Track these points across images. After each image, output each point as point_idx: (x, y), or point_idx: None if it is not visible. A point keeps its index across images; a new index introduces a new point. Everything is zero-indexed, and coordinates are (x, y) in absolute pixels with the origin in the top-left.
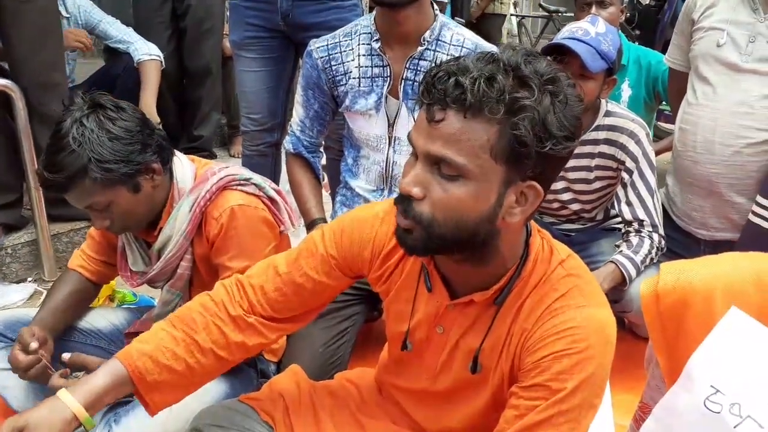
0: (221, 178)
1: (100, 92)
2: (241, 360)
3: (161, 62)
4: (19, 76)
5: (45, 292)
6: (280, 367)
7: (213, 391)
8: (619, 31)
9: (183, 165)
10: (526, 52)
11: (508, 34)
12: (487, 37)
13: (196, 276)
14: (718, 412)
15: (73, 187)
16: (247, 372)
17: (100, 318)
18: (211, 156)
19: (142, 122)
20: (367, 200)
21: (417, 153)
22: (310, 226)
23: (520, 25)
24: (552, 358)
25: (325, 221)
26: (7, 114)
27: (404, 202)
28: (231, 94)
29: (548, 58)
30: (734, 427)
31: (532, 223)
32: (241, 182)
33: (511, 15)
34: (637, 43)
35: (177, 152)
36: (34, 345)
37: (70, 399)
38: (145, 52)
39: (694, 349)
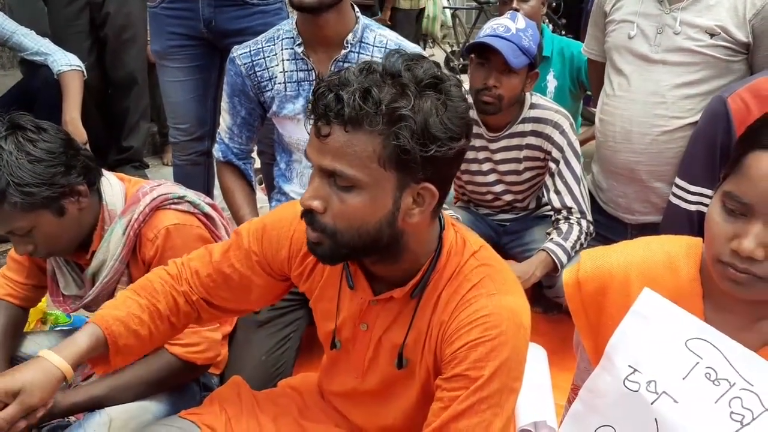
0: (154, 198)
1: (19, 112)
2: (184, 328)
3: (83, 73)
4: None
5: None
6: (223, 378)
7: (152, 409)
8: (545, 21)
9: (112, 185)
10: (409, 58)
11: (442, 26)
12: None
13: None
14: (637, 390)
15: None
16: (189, 387)
17: (35, 345)
18: (143, 166)
19: (66, 143)
20: None
21: (314, 167)
22: None
23: (454, 16)
24: (468, 347)
25: None
26: None
27: (308, 216)
28: (160, 101)
29: (429, 59)
30: (651, 403)
31: (446, 216)
32: (175, 201)
33: (445, 7)
34: (564, 32)
35: (105, 172)
36: None
37: (56, 358)
38: (65, 62)
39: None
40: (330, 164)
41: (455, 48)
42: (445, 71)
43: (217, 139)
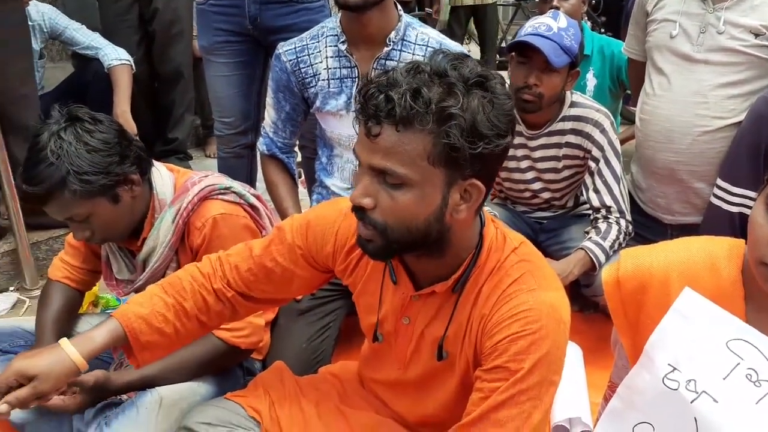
0: (202, 189)
1: (76, 105)
2: (217, 327)
3: (132, 66)
4: None
5: (27, 301)
6: (265, 364)
7: (200, 390)
8: (585, 19)
9: (162, 175)
10: (454, 57)
11: None
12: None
13: None
14: (676, 389)
15: (52, 200)
16: (233, 371)
17: (88, 326)
18: (187, 157)
19: (120, 134)
20: None
21: (362, 165)
22: None
23: None
24: (508, 340)
25: None
26: None
27: (359, 212)
28: (204, 95)
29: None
30: (691, 402)
31: (487, 213)
32: (222, 191)
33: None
34: (603, 30)
35: (156, 162)
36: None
37: (73, 350)
38: (115, 57)
39: (653, 331)
40: (380, 163)
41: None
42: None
43: (262, 133)
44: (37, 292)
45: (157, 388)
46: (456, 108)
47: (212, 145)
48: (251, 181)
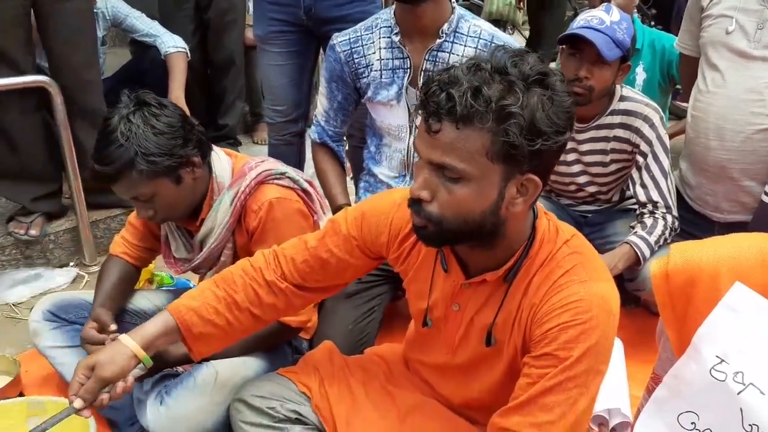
0: (259, 173)
1: (143, 90)
2: (272, 320)
3: (187, 54)
4: (57, 74)
5: (86, 276)
6: (311, 343)
7: (253, 365)
8: (635, 12)
9: (221, 159)
10: (514, 53)
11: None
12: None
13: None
14: (723, 380)
15: (121, 179)
16: (282, 348)
17: (145, 300)
18: (237, 143)
19: (183, 118)
20: (389, 186)
21: (422, 159)
22: (336, 211)
23: None
24: (559, 329)
25: (349, 206)
26: (45, 110)
27: (415, 204)
28: (253, 83)
29: (536, 54)
30: (738, 393)
31: (539, 206)
32: (277, 176)
33: None
34: (653, 23)
35: (215, 147)
36: (114, 327)
37: (130, 341)
38: (172, 44)
39: (701, 324)
40: (440, 158)
41: None
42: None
43: (314, 121)
44: (95, 268)
45: (212, 361)
46: (515, 106)
47: (260, 132)
48: (299, 168)
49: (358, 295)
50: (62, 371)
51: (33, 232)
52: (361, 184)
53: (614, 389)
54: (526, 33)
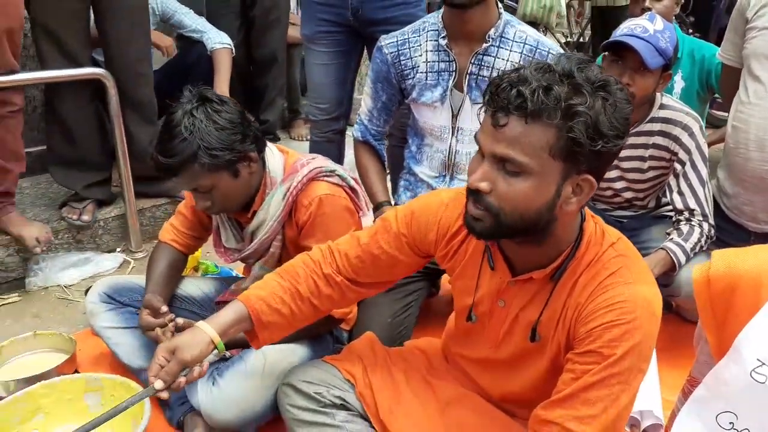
0: (311, 170)
1: (205, 87)
2: (328, 311)
3: (232, 50)
4: (112, 67)
5: (132, 262)
6: (351, 335)
7: (299, 352)
8: (674, 19)
9: (274, 155)
10: (579, 60)
11: (558, 15)
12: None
13: (285, 255)
14: (763, 383)
15: (183, 171)
16: (324, 338)
17: (194, 286)
18: (276, 139)
19: (242, 115)
20: (429, 185)
21: (483, 152)
22: (376, 208)
23: (568, 6)
24: (603, 327)
25: (390, 204)
26: (98, 101)
27: (474, 194)
28: (292, 79)
29: (599, 64)
30: None
31: (586, 209)
32: (327, 173)
33: None
34: (691, 31)
35: (269, 143)
36: (165, 308)
37: (208, 328)
38: (218, 41)
39: (741, 328)
40: (503, 151)
41: (569, 39)
42: None
43: (357, 120)
44: (140, 255)
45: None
46: (583, 106)
47: (297, 128)
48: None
49: (396, 290)
50: (116, 351)
51: (85, 217)
52: (401, 183)
53: (647, 391)
54: (559, 36)
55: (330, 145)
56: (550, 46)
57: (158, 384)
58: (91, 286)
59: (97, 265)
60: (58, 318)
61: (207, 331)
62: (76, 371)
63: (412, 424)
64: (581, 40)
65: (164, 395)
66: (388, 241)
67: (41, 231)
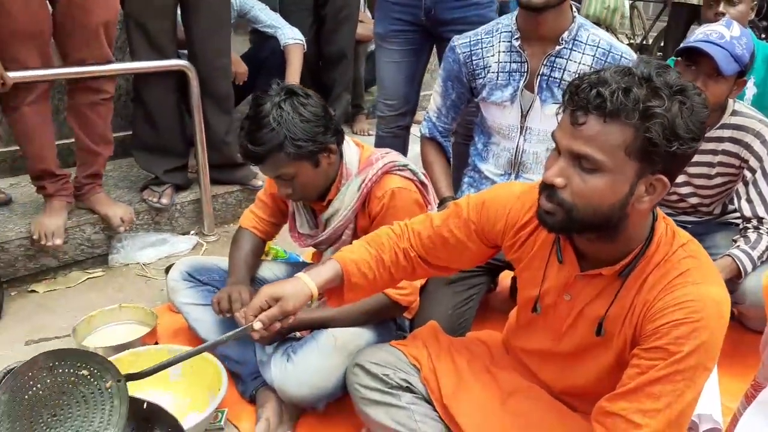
0: (386, 164)
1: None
2: (400, 280)
3: (304, 46)
4: (195, 60)
5: (205, 245)
6: (412, 324)
7: (365, 336)
8: (747, 25)
9: (351, 148)
10: (658, 65)
11: (621, 16)
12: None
13: None
14: None
15: (269, 159)
16: (388, 324)
17: (268, 270)
18: None
19: (325, 108)
20: (494, 183)
21: (560, 149)
22: (441, 202)
23: (632, 8)
24: (671, 325)
25: (454, 199)
26: (178, 92)
27: (548, 189)
28: (357, 75)
29: (676, 69)
30: None
31: (658, 209)
32: (400, 168)
33: None
34: (764, 36)
35: (346, 137)
36: (238, 306)
37: (310, 282)
38: (291, 36)
39: None
40: (581, 148)
41: (632, 41)
42: None
43: (425, 117)
44: (212, 238)
45: (330, 329)
46: (660, 108)
47: (359, 123)
48: None
49: (458, 283)
50: (195, 326)
51: (164, 200)
52: (465, 179)
53: (706, 395)
54: (622, 38)
55: (395, 140)
56: (623, 50)
57: (257, 324)
58: (170, 265)
59: (172, 245)
60: (137, 293)
61: (309, 284)
62: (156, 343)
63: (475, 410)
64: (644, 42)
65: (256, 336)
66: (458, 227)
67: (126, 211)
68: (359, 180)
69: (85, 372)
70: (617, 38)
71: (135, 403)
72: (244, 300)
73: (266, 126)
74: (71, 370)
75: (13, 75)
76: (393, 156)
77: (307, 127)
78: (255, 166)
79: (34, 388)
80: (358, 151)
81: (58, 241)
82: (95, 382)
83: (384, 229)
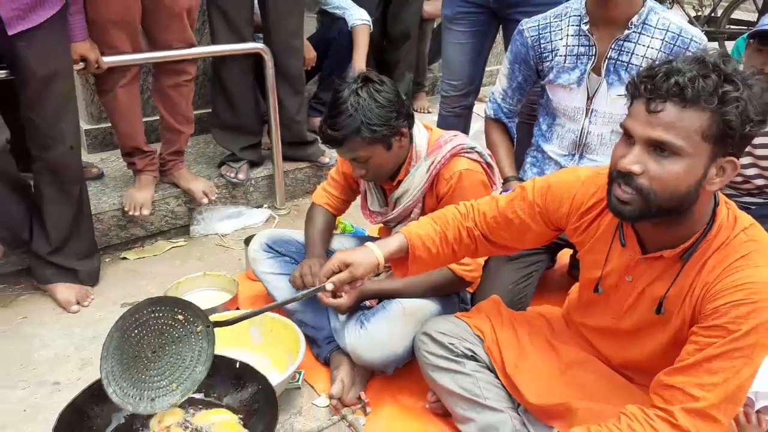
0: (454, 146)
1: (367, 69)
2: (462, 258)
3: (370, 27)
4: (269, 41)
5: (276, 218)
6: (473, 298)
7: (430, 307)
8: None
9: (420, 131)
10: (720, 54)
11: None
12: None
13: None
14: None
15: (346, 143)
16: (452, 298)
17: (338, 243)
18: None
19: (398, 94)
20: (557, 163)
21: (634, 137)
22: (504, 182)
23: None
24: (730, 306)
25: (517, 179)
26: (254, 73)
27: (624, 177)
28: (420, 53)
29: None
30: None
31: (720, 194)
32: (468, 150)
33: None
34: None
35: (417, 121)
36: (309, 279)
37: (378, 252)
38: (358, 17)
39: None
40: (660, 135)
41: (699, 13)
42: None
43: (490, 98)
44: (283, 211)
45: (399, 299)
46: (737, 92)
47: (419, 101)
48: None
49: (519, 260)
50: (274, 294)
51: (240, 176)
52: (528, 159)
53: (764, 373)
54: (689, 9)
55: (457, 120)
56: (693, 33)
57: (329, 286)
58: (249, 236)
59: (247, 218)
60: (217, 262)
61: (377, 254)
62: (237, 308)
63: (536, 379)
64: (713, 14)
65: (327, 296)
66: (523, 209)
67: (207, 186)
68: (428, 162)
69: (180, 317)
70: (683, 10)
71: (229, 363)
72: (315, 272)
73: (344, 112)
74: (169, 315)
75: (108, 60)
76: (461, 139)
77: (382, 113)
78: (332, 149)
79: (139, 329)
80: (427, 134)
81: (146, 212)
82: (188, 326)
83: (450, 208)
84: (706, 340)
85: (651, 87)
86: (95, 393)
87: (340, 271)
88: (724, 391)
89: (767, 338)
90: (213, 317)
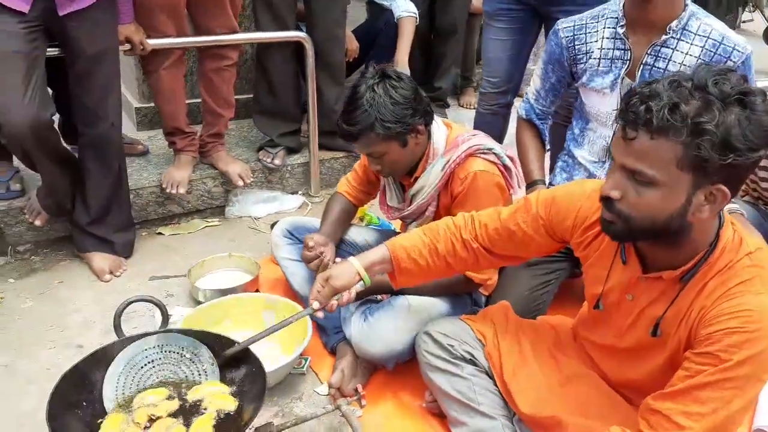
0: (470, 146)
1: (384, 64)
2: (462, 271)
3: (416, 19)
4: (312, 30)
5: (310, 205)
6: (488, 300)
7: (439, 306)
8: None
9: (439, 129)
10: (718, 71)
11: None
12: None
13: (438, 219)
14: None
15: (361, 138)
16: (464, 298)
17: (358, 235)
18: (445, 105)
19: (416, 91)
20: (587, 170)
21: (616, 162)
22: (530, 185)
23: None
24: (724, 333)
25: (544, 183)
26: (295, 61)
27: (606, 201)
28: (469, 48)
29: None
30: None
31: (726, 215)
32: (485, 151)
33: None
34: None
35: (436, 117)
36: (311, 243)
37: (356, 262)
38: (405, 9)
39: None
40: (632, 163)
41: None
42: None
43: (524, 98)
44: (317, 199)
45: (407, 295)
46: (710, 124)
47: (467, 96)
48: (500, 138)
49: (538, 266)
50: (290, 279)
51: (277, 161)
52: (559, 163)
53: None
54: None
55: (494, 118)
56: (737, 42)
57: (315, 305)
58: (275, 221)
59: (282, 203)
60: (248, 244)
61: (355, 264)
62: (257, 290)
63: (533, 389)
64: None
65: (320, 314)
66: (526, 221)
67: (243, 169)
68: (444, 160)
69: (188, 355)
70: (763, 15)
71: (228, 343)
72: (317, 241)
73: (360, 107)
74: (177, 353)
75: (152, 42)
76: (479, 139)
77: (397, 110)
78: (347, 143)
79: (147, 363)
80: (446, 132)
81: (183, 191)
82: (195, 364)
83: (444, 220)
84: (697, 367)
85: (626, 112)
86: (99, 358)
87: (323, 288)
88: (712, 422)
89: (763, 371)
90: (232, 297)
